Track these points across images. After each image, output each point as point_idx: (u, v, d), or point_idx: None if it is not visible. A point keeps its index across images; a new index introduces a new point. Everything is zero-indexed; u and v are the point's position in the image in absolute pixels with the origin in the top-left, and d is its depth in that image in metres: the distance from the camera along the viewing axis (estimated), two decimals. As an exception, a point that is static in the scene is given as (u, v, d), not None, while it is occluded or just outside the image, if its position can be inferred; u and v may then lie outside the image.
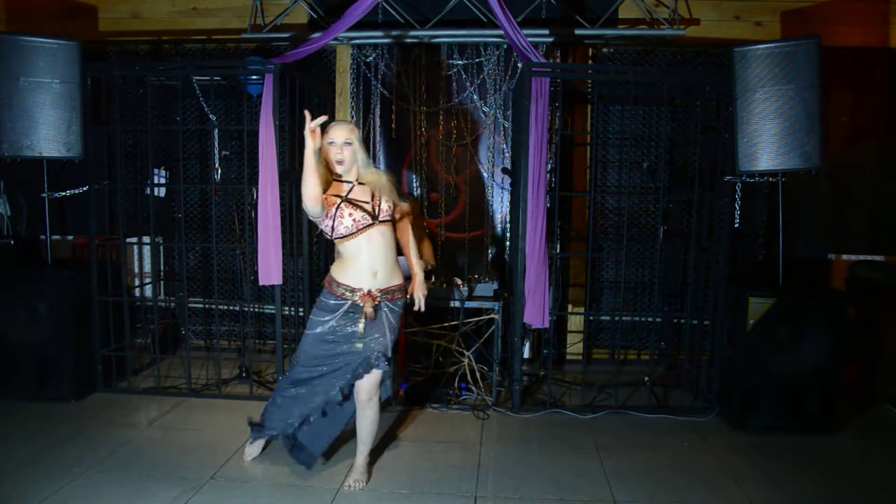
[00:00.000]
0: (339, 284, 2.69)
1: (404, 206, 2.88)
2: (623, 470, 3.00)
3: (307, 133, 2.48)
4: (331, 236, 2.68)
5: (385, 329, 2.75)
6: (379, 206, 2.68)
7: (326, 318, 2.71)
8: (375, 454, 3.09)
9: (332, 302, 2.70)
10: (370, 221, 2.65)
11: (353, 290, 2.67)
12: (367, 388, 2.73)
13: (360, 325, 2.68)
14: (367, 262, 2.66)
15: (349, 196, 2.67)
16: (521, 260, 3.59)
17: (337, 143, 2.64)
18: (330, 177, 2.70)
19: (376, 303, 2.69)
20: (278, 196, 3.66)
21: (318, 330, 2.72)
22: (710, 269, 3.95)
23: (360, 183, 2.72)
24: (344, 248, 2.69)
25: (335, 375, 2.76)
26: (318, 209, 2.57)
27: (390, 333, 2.77)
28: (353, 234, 2.64)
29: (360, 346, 2.71)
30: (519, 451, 3.21)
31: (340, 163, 2.65)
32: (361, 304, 2.66)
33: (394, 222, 2.80)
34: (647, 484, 2.87)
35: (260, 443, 3.07)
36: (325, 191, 2.62)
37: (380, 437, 3.32)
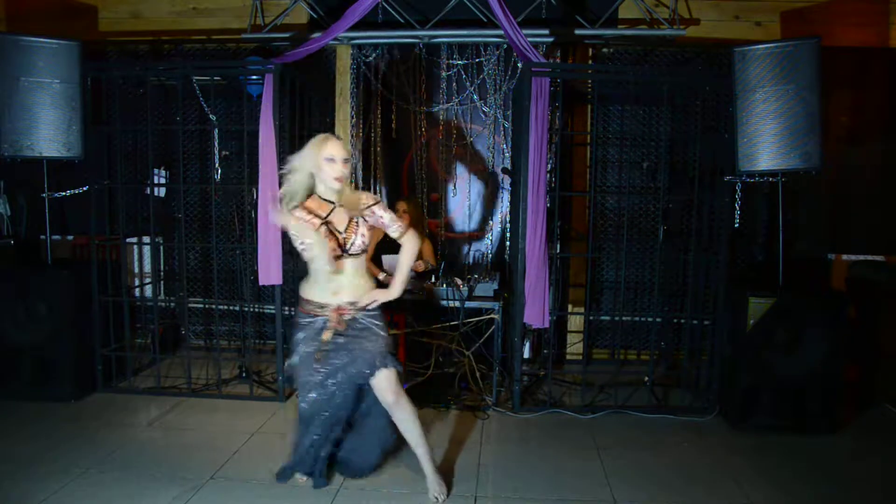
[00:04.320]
0: (308, 302, 2.65)
1: (386, 219, 2.69)
2: (623, 470, 3.00)
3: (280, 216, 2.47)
4: (303, 253, 2.60)
5: (376, 331, 2.68)
6: (352, 239, 2.60)
7: (303, 336, 2.66)
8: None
9: (306, 321, 2.66)
10: (340, 253, 2.59)
11: (322, 307, 2.62)
12: (384, 388, 2.63)
13: (327, 335, 2.61)
14: (334, 283, 2.61)
15: (328, 219, 2.59)
16: (521, 260, 3.59)
17: (337, 159, 2.55)
18: (313, 189, 2.62)
19: (347, 316, 2.63)
20: (278, 196, 3.66)
21: (304, 350, 2.66)
22: (710, 269, 3.96)
23: (340, 205, 2.62)
24: (314, 266, 2.62)
25: (341, 389, 2.68)
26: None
27: (382, 332, 2.69)
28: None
29: (341, 357, 2.63)
30: (519, 451, 3.21)
31: (339, 180, 2.55)
32: (331, 320, 2.61)
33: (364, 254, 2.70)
34: (647, 484, 2.87)
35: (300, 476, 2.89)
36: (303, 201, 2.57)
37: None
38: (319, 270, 2.60)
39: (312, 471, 2.79)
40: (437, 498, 2.71)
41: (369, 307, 2.67)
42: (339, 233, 2.59)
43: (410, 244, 2.73)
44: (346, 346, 2.63)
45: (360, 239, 2.61)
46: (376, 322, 2.69)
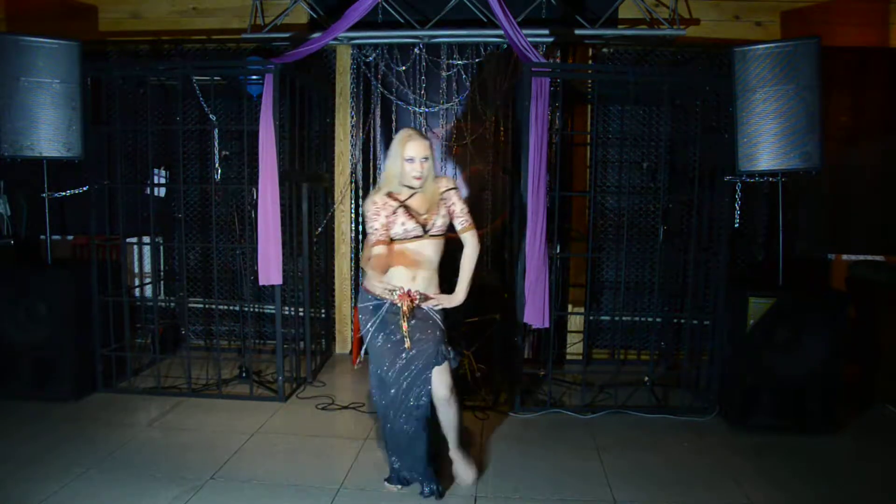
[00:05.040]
0: (382, 283, 2.66)
1: (458, 208, 2.74)
2: (623, 470, 3.00)
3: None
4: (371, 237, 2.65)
5: (437, 323, 2.71)
6: (433, 220, 2.66)
7: (374, 320, 2.68)
8: (373, 454, 3.10)
9: (370, 304, 2.69)
10: (421, 233, 2.64)
11: (391, 290, 2.65)
12: (439, 383, 2.63)
13: (403, 327, 2.61)
14: (410, 267, 2.64)
15: (407, 202, 2.65)
16: (521, 260, 3.59)
17: (416, 159, 2.60)
18: (393, 182, 2.67)
19: (415, 303, 2.65)
20: (278, 196, 3.66)
21: (378, 341, 2.67)
22: (710, 269, 3.95)
23: (420, 190, 2.68)
24: (399, 245, 2.65)
25: (417, 378, 2.65)
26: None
27: (441, 325, 2.73)
28: (402, 240, 2.63)
29: (414, 346, 2.63)
30: (519, 451, 3.21)
31: (419, 178, 2.61)
32: (400, 304, 2.62)
33: (445, 235, 2.74)
34: (647, 484, 2.87)
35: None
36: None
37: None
38: (395, 255, 2.63)
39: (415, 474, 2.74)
40: (462, 478, 2.81)
41: (433, 306, 2.72)
42: (420, 214, 2.65)
43: (473, 243, 2.78)
44: (415, 336, 2.65)
45: (440, 220, 2.68)
46: (437, 313, 2.73)
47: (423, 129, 4.77)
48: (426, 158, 2.63)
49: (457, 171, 4.86)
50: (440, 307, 2.73)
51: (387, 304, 2.66)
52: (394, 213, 2.61)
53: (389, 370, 2.64)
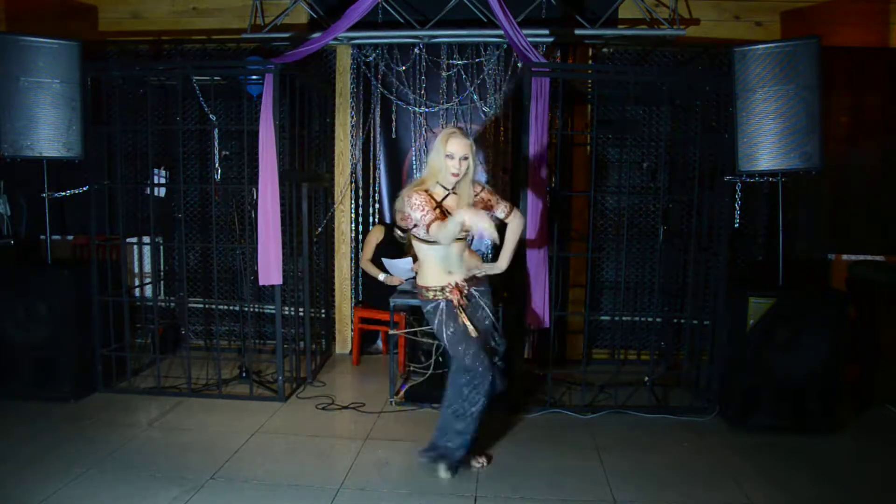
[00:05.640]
0: (427, 289, 2.86)
1: (493, 200, 2.89)
2: (623, 470, 3.00)
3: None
4: (421, 236, 2.76)
5: (485, 310, 2.92)
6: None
7: (438, 318, 2.83)
8: (373, 454, 3.11)
9: (430, 306, 2.86)
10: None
11: (441, 289, 2.82)
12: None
13: (463, 319, 2.79)
14: (444, 265, 2.81)
15: (443, 203, 2.76)
16: (521, 260, 3.59)
17: (456, 157, 2.68)
18: (432, 179, 2.77)
19: (464, 291, 2.84)
20: (278, 196, 3.67)
21: (450, 332, 2.81)
22: (710, 269, 3.95)
23: (454, 192, 2.78)
24: (429, 249, 2.79)
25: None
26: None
27: (490, 312, 2.94)
28: (434, 243, 2.74)
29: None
30: (519, 450, 3.20)
31: (456, 175, 2.70)
32: (452, 298, 2.81)
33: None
34: (647, 484, 2.87)
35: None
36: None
37: (383, 437, 3.33)
38: (430, 255, 2.81)
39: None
40: (478, 466, 2.98)
41: (478, 275, 2.94)
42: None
43: (517, 221, 2.97)
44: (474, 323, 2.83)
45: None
46: (486, 300, 2.94)
47: (423, 129, 4.78)
48: (465, 158, 2.69)
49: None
50: (483, 273, 2.97)
51: (443, 302, 2.82)
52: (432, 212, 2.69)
53: (466, 354, 2.76)
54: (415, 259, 4.33)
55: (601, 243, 4.76)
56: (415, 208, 2.67)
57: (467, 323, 2.79)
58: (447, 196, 2.77)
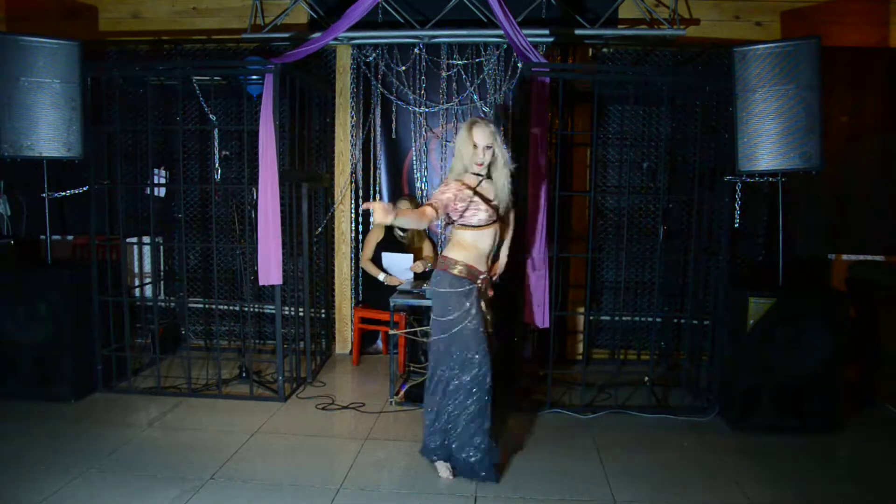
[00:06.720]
0: (469, 267, 2.78)
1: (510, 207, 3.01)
2: (623, 470, 3.00)
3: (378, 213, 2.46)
4: (456, 221, 2.77)
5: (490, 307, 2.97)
6: (499, 208, 2.84)
7: (468, 304, 2.76)
8: (373, 454, 3.10)
9: (464, 289, 2.77)
10: (494, 219, 2.80)
11: (478, 275, 2.82)
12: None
13: (484, 309, 2.83)
14: (486, 251, 2.83)
15: (479, 189, 2.77)
16: (521, 260, 3.58)
17: (480, 146, 2.71)
18: (462, 169, 2.79)
19: (485, 285, 2.89)
20: (278, 196, 3.67)
21: (472, 325, 2.76)
22: (710, 269, 3.95)
23: (487, 177, 2.82)
24: (470, 234, 2.79)
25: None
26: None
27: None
28: (482, 226, 2.77)
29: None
30: (519, 450, 3.20)
31: (480, 164, 2.74)
32: (482, 287, 2.83)
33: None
34: (647, 484, 2.87)
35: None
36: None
37: (383, 437, 3.33)
38: (472, 240, 2.79)
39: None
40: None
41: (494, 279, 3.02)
42: (490, 200, 2.80)
43: (512, 217, 3.14)
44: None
45: (503, 206, 2.87)
46: (488, 298, 2.97)
47: (423, 129, 4.78)
48: (488, 147, 2.72)
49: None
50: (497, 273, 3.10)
51: (474, 287, 2.80)
52: (470, 200, 2.72)
53: (477, 351, 2.73)
54: (415, 257, 4.33)
55: (601, 243, 4.76)
56: (443, 191, 2.71)
57: (489, 314, 2.86)
58: (480, 182, 2.80)
